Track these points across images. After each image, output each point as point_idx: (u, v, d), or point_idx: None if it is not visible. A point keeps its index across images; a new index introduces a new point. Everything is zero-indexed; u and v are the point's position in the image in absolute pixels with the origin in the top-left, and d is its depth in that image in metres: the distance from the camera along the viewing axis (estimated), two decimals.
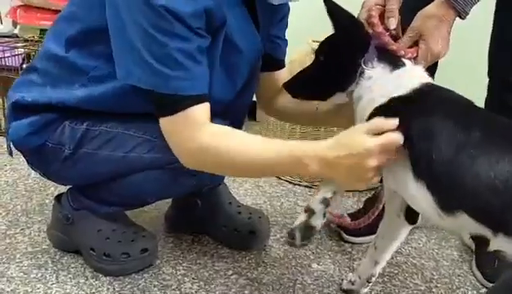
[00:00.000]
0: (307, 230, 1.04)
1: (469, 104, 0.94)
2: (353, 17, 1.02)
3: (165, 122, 1.02)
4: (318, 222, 1.03)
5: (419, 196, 0.89)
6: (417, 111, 0.91)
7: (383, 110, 0.93)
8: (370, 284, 1.20)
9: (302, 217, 1.04)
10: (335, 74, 1.03)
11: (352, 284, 1.21)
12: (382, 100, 0.95)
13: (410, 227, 1.11)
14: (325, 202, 1.03)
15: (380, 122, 0.91)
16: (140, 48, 0.96)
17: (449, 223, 0.89)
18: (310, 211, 1.03)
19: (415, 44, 1.03)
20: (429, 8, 1.03)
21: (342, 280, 1.25)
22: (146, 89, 0.99)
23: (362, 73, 0.99)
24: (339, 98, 1.05)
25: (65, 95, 1.12)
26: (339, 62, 1.02)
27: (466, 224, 0.86)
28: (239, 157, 1.00)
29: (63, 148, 1.15)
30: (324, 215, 1.04)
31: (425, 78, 0.98)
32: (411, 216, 1.08)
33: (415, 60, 1.01)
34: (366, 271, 1.18)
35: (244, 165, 1.01)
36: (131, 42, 0.97)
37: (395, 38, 1.04)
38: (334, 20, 1.01)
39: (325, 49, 1.07)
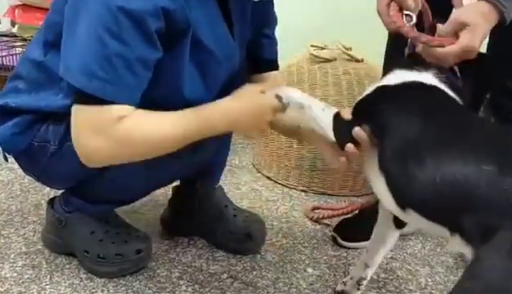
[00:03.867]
0: None
1: (448, 103, 0.93)
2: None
3: (77, 110, 0.99)
4: None
5: (382, 190, 0.90)
6: (391, 103, 0.93)
7: (365, 98, 0.99)
8: (362, 287, 1.20)
9: None
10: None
11: (345, 285, 1.21)
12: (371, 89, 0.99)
13: (398, 232, 1.12)
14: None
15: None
16: (82, 45, 0.95)
17: (409, 219, 0.89)
18: None
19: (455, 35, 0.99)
20: (477, 4, 1.00)
21: (337, 284, 1.25)
22: (76, 85, 0.97)
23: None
24: None
25: (50, 103, 1.12)
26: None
27: (422, 223, 0.86)
28: (155, 138, 1.02)
29: (48, 144, 1.14)
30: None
31: (426, 80, 0.97)
32: (397, 219, 1.09)
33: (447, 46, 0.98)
34: (357, 273, 1.19)
35: (158, 141, 1.03)
36: (76, 38, 0.96)
37: (433, 27, 1.02)
38: None
39: None
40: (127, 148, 1.01)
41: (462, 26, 0.97)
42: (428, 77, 0.98)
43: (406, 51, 1.07)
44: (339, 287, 1.23)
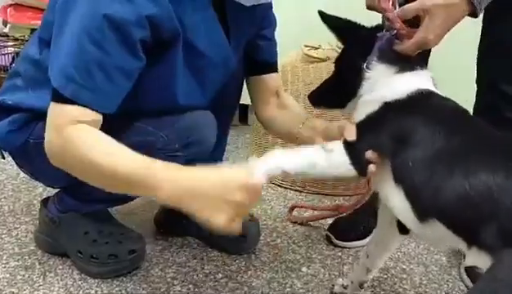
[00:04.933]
0: None
1: (457, 112, 0.94)
2: (351, 22, 1.02)
3: (50, 107, 0.98)
4: None
5: (398, 202, 0.90)
6: (401, 117, 0.91)
7: (373, 117, 0.94)
8: (362, 290, 1.20)
9: None
10: (345, 80, 1.04)
11: (345, 288, 1.20)
12: (375, 106, 0.95)
13: (402, 237, 1.11)
14: None
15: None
16: (65, 47, 0.95)
17: (425, 232, 0.88)
18: None
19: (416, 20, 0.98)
20: None
21: (332, 285, 1.24)
22: (54, 85, 0.97)
23: (364, 75, 0.99)
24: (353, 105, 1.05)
25: (46, 103, 1.09)
26: (347, 67, 1.03)
27: (441, 235, 0.86)
28: (87, 157, 0.92)
29: (43, 141, 1.13)
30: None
31: (424, 84, 0.97)
32: (403, 225, 1.08)
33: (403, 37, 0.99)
34: (358, 277, 1.18)
35: (91, 168, 0.93)
36: (62, 39, 0.96)
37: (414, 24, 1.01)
38: (333, 29, 1.02)
39: (338, 57, 1.08)
40: (68, 153, 0.95)
41: (423, 13, 0.96)
42: (425, 82, 0.98)
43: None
44: (338, 290, 1.21)
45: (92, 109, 0.96)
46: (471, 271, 1.33)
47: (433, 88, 0.98)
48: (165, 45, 1.01)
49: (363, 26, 1.04)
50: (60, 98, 0.96)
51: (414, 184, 0.87)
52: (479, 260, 0.81)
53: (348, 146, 0.93)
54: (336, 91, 1.06)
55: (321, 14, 1.03)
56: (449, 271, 1.38)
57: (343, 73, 1.05)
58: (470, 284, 1.31)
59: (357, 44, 1.02)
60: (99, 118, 0.98)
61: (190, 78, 1.09)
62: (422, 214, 0.87)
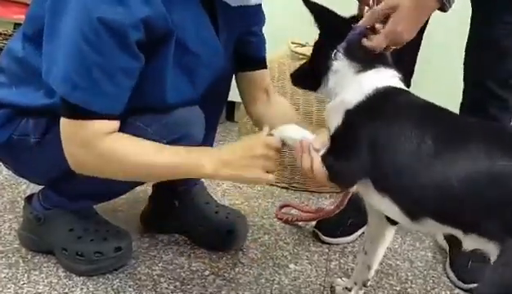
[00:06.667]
0: None
1: (425, 106, 0.93)
2: (328, 10, 1.03)
3: (64, 123, 1.02)
4: None
5: (386, 207, 0.91)
6: (363, 128, 0.90)
7: (341, 134, 0.94)
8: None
9: None
10: (316, 65, 1.04)
11: (349, 291, 1.18)
12: (339, 116, 0.94)
13: (395, 227, 1.11)
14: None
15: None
16: (64, 52, 0.96)
17: (418, 227, 0.90)
18: None
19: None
20: None
21: (332, 286, 1.22)
22: (58, 92, 0.99)
23: (330, 64, 0.99)
24: (323, 93, 1.05)
25: (30, 101, 1.12)
26: (318, 52, 1.05)
27: (435, 228, 0.87)
28: (139, 160, 1.03)
29: (28, 138, 1.13)
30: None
31: (388, 81, 0.95)
32: None
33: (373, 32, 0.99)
34: (361, 277, 1.17)
35: (145, 168, 1.04)
36: (59, 42, 0.97)
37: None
38: (313, 14, 1.02)
39: (316, 41, 1.08)
40: (113, 163, 1.03)
41: (392, 10, 0.97)
42: (389, 79, 0.96)
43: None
44: (341, 293, 1.19)
45: (104, 115, 0.99)
46: (456, 267, 1.35)
47: (398, 85, 0.96)
48: (158, 45, 1.01)
49: (342, 16, 1.04)
50: (72, 113, 0.99)
51: (398, 190, 0.88)
52: (480, 245, 0.83)
53: (325, 160, 0.94)
54: (309, 74, 1.08)
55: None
56: (434, 267, 1.40)
57: (315, 58, 1.06)
58: (455, 279, 1.32)
59: (330, 31, 1.02)
60: (116, 122, 1.01)
61: (180, 77, 1.09)
62: (413, 215, 0.88)
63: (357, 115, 0.92)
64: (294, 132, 1.02)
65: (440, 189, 0.83)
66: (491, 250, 0.81)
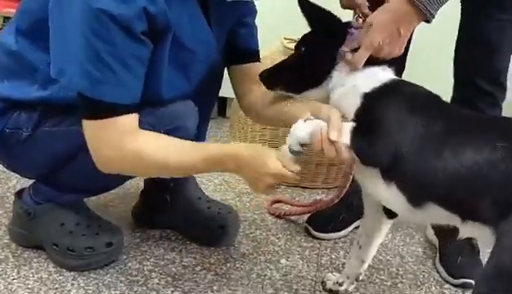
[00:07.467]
0: None
1: (430, 97, 0.96)
2: (326, 11, 1.03)
3: (88, 125, 1.02)
4: None
5: (391, 196, 0.92)
6: (379, 110, 0.93)
7: (361, 113, 0.95)
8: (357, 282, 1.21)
9: None
10: (313, 67, 1.04)
11: (340, 285, 1.19)
12: (356, 99, 0.96)
13: (391, 221, 1.12)
14: None
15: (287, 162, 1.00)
16: (74, 48, 0.97)
17: (419, 216, 0.91)
18: None
19: None
20: (391, 3, 0.99)
21: (323, 281, 1.23)
22: (75, 90, 0.99)
23: (335, 66, 1.00)
24: (312, 93, 1.06)
25: (23, 95, 1.12)
26: (317, 54, 1.04)
27: (435, 215, 0.90)
28: (165, 160, 1.04)
29: (20, 131, 1.13)
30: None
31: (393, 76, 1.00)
32: (390, 210, 1.09)
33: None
34: (354, 271, 1.18)
35: (174, 166, 1.06)
36: (67, 40, 0.97)
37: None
38: (309, 16, 1.02)
39: (306, 42, 1.07)
40: (144, 161, 1.04)
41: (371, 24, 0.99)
42: (389, 73, 1.00)
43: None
44: (333, 287, 1.20)
45: (125, 105, 1.00)
46: (445, 262, 1.36)
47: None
48: (156, 40, 1.02)
49: (338, 18, 1.04)
50: (94, 112, 1.00)
51: (408, 177, 0.89)
52: (475, 232, 0.87)
53: (354, 144, 0.92)
54: (297, 75, 1.06)
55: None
56: (424, 262, 1.41)
57: (311, 60, 1.05)
58: (445, 274, 1.34)
59: (331, 34, 1.02)
60: (137, 116, 1.02)
61: (176, 73, 1.10)
62: (418, 201, 0.90)
63: (377, 98, 0.95)
64: (303, 129, 0.96)
65: (449, 174, 0.86)
66: (486, 237, 0.84)
